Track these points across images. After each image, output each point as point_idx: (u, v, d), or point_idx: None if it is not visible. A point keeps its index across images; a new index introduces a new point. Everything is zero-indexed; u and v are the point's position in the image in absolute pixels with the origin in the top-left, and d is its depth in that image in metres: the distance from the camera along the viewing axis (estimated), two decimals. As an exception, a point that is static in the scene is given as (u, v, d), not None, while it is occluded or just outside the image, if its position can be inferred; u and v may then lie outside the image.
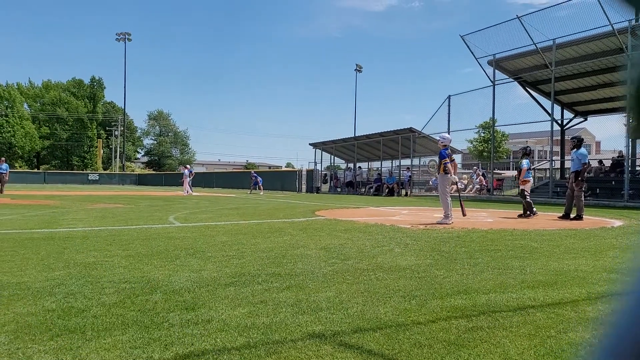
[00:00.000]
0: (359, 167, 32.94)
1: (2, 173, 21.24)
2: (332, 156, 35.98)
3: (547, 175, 24.62)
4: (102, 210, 11.37)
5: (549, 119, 20.54)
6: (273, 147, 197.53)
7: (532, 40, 19.28)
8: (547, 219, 10.20)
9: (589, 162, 10.24)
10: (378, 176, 29.75)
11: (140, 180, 61.44)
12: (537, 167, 26.57)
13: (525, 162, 10.64)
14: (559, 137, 23.54)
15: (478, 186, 23.60)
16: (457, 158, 11.07)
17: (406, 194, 26.58)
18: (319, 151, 34.99)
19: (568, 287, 3.51)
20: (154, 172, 76.83)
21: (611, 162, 20.95)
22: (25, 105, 69.95)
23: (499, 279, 3.75)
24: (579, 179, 9.91)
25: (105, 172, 66.94)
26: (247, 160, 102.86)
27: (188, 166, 31.85)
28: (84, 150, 73.66)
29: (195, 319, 2.62)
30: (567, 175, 18.07)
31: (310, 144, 35.29)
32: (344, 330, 2.46)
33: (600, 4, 16.10)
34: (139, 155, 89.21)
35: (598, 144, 52.60)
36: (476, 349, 2.22)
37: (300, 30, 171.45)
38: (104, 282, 3.48)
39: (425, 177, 28.57)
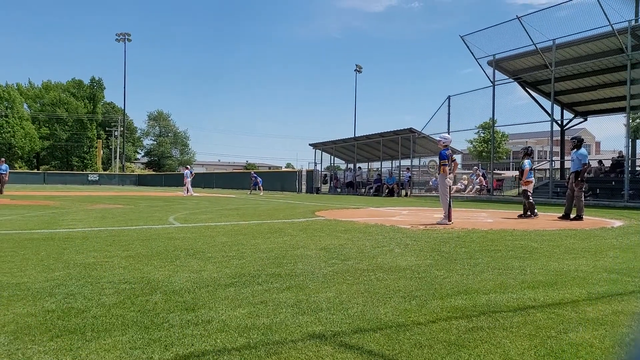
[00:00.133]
0: (359, 167, 32.94)
1: (2, 174, 21.24)
2: (332, 156, 35.99)
3: (547, 175, 24.62)
4: (101, 210, 11.36)
5: (549, 119, 20.55)
6: (273, 147, 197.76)
7: (532, 40, 19.29)
8: (547, 219, 10.20)
9: (588, 163, 10.24)
10: (378, 176, 29.74)
11: (140, 181, 61.46)
12: (537, 168, 26.58)
13: (527, 163, 10.63)
14: (559, 138, 23.55)
15: (478, 186, 23.59)
16: (457, 158, 11.04)
17: (406, 195, 26.58)
18: (318, 151, 34.99)
19: (568, 287, 3.51)
20: (153, 172, 76.85)
21: (611, 162, 20.96)
22: (25, 106, 69.96)
23: (499, 279, 3.75)
24: (579, 179, 9.91)
25: (105, 172, 66.94)
26: (247, 161, 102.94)
27: (189, 167, 31.87)
28: (83, 150, 73.66)
29: (195, 319, 2.62)
30: (567, 176, 18.06)
31: (310, 145, 35.31)
32: (344, 331, 2.46)
33: (599, 4, 16.11)
34: (138, 156, 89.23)
35: (598, 144, 52.62)
36: (476, 350, 2.21)
37: (300, 30, 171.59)
38: (104, 282, 3.48)
39: (425, 178, 28.57)
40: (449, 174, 8.95)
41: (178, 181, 50.55)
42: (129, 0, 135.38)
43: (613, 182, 18.70)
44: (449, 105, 24.23)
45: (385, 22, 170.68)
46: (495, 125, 23.28)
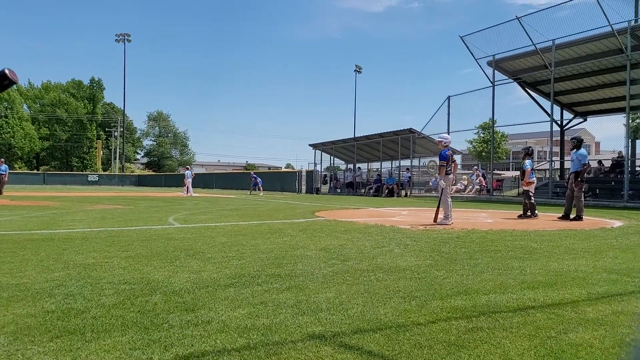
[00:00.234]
0: (359, 167, 32.95)
1: (2, 174, 21.23)
2: (332, 157, 35.99)
3: (547, 175, 24.63)
4: (101, 211, 11.36)
5: (549, 119, 20.56)
6: (273, 147, 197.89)
7: (531, 41, 19.30)
8: (547, 219, 10.21)
9: (588, 163, 10.24)
10: (378, 177, 29.75)
11: (140, 181, 61.46)
12: (537, 168, 26.57)
13: (528, 163, 10.63)
14: (559, 138, 23.55)
15: (478, 187, 23.59)
16: (457, 159, 11.03)
17: (406, 195, 26.58)
18: (318, 152, 34.99)
19: (568, 287, 3.51)
20: (153, 173, 76.86)
21: (611, 162, 20.96)
22: (25, 106, 69.93)
23: (499, 280, 3.75)
24: (579, 179, 9.92)
25: (104, 173, 66.94)
26: (246, 161, 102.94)
27: (189, 167, 31.87)
28: (83, 151, 73.65)
29: (195, 320, 2.62)
30: (566, 176, 18.06)
31: (310, 145, 35.31)
32: (344, 331, 2.46)
33: (599, 4, 16.12)
34: (138, 156, 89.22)
35: (597, 144, 52.59)
36: (476, 350, 2.21)
37: (300, 30, 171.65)
38: (104, 283, 3.48)
39: (424, 178, 28.58)
40: (450, 174, 8.95)
41: (178, 182, 50.57)
42: (129, 1, 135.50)
43: (613, 183, 18.71)
44: (448, 106, 24.25)
45: (385, 23, 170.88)
46: (495, 125, 23.29)
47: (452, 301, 3.07)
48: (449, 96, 24.30)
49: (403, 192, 26.98)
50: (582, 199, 9.99)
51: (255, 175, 31.01)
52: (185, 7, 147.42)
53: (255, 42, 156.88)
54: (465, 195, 23.61)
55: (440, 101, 29.32)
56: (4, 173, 21.42)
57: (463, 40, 21.98)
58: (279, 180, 36.54)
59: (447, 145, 9.04)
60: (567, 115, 24.44)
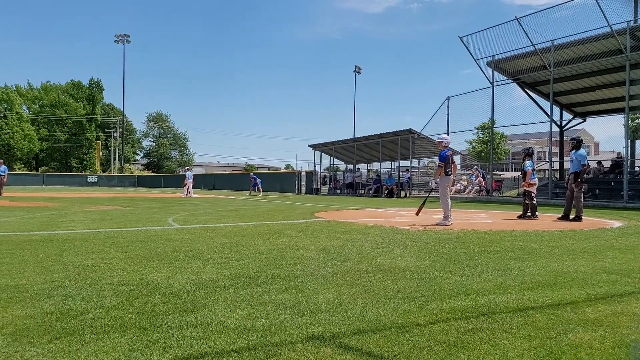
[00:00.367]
0: (358, 168, 32.96)
1: (1, 175, 21.22)
2: (332, 157, 36.00)
3: (547, 176, 24.64)
4: (100, 212, 11.35)
5: (548, 120, 20.58)
6: (272, 148, 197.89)
7: (530, 41, 19.32)
8: (546, 220, 10.21)
9: (588, 163, 10.24)
10: (377, 177, 29.76)
11: (139, 182, 61.47)
12: (537, 168, 26.60)
13: (528, 164, 10.62)
14: (558, 138, 23.57)
15: (477, 187, 23.60)
16: (457, 159, 11.04)
17: (405, 195, 26.59)
18: (318, 152, 35.00)
19: (567, 288, 3.51)
20: (153, 173, 76.87)
21: (610, 163, 20.98)
22: (24, 107, 69.94)
23: (498, 280, 3.75)
24: (579, 180, 9.92)
25: (104, 174, 66.96)
26: (246, 162, 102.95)
27: (189, 168, 31.88)
28: (82, 152, 73.63)
29: (195, 321, 2.61)
30: (566, 177, 18.07)
31: (309, 146, 35.31)
32: (343, 332, 2.45)
33: (598, 5, 16.14)
34: (137, 157, 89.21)
35: (597, 145, 52.65)
36: (476, 351, 2.21)
37: (300, 31, 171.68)
38: (103, 284, 3.47)
39: (424, 179, 28.58)
40: (450, 175, 8.95)
41: (177, 182, 50.59)
42: (128, 2, 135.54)
43: (612, 183, 18.72)
44: (448, 106, 24.27)
45: (384, 23, 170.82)
46: (495, 126, 23.30)
47: (452, 302, 3.07)
48: (449, 97, 24.33)
49: (403, 193, 26.99)
50: (582, 199, 9.99)
51: (254, 176, 31.01)
52: (184, 8, 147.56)
53: (255, 42, 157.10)
54: (464, 195, 23.62)
55: (439, 102, 29.34)
56: (3, 174, 21.41)
57: (462, 41, 22.00)
58: (279, 181, 36.55)
59: (446, 146, 9.04)
60: (567, 115, 24.47)
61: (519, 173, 24.88)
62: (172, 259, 4.58)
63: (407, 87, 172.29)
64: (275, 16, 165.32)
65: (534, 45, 19.39)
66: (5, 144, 62.52)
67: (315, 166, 34.76)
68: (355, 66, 55.93)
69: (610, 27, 16.56)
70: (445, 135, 9.50)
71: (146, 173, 78.39)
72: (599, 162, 22.31)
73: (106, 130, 77.30)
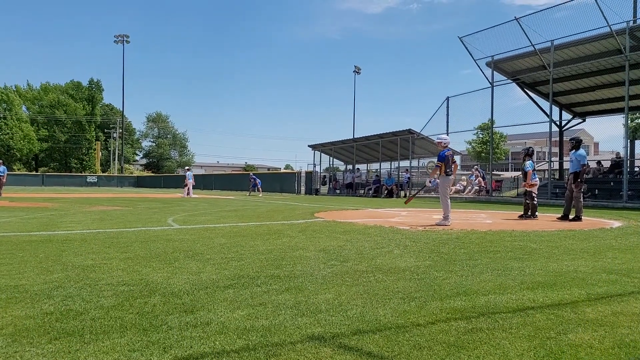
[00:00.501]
0: (358, 168, 32.97)
1: (0, 175, 21.20)
2: (331, 158, 36.01)
3: (546, 176, 24.65)
4: (100, 212, 11.35)
5: (548, 120, 20.58)
6: (272, 148, 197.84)
7: (530, 41, 19.33)
8: (546, 220, 10.21)
9: (587, 163, 10.25)
10: (376, 177, 29.76)
11: (139, 183, 61.48)
12: (536, 169, 26.62)
13: (529, 164, 10.63)
14: (558, 138, 23.58)
15: (477, 187, 23.60)
16: (457, 159, 11.03)
17: (405, 196, 26.60)
18: (317, 153, 35.01)
19: (567, 288, 3.51)
20: (152, 174, 76.87)
21: (610, 163, 20.99)
22: (24, 108, 69.92)
23: (498, 280, 3.75)
24: (578, 180, 9.92)
25: (103, 174, 66.96)
26: (245, 162, 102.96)
27: (189, 168, 31.88)
28: (82, 152, 73.62)
29: (194, 321, 2.61)
30: (566, 177, 18.07)
31: (309, 146, 35.33)
32: (343, 333, 2.45)
33: (597, 5, 16.14)
34: (137, 158, 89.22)
35: (596, 145, 52.65)
36: (476, 351, 2.21)
37: (300, 32, 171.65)
38: (102, 284, 3.47)
39: (424, 179, 28.61)
40: (450, 175, 8.96)
41: (177, 183, 50.60)
42: (128, 2, 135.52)
43: (612, 183, 18.73)
44: (447, 107, 24.28)
45: (384, 24, 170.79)
46: (494, 126, 23.32)
47: (452, 302, 3.07)
48: (448, 97, 24.35)
49: (402, 193, 26.99)
50: (581, 199, 10.00)
51: (254, 176, 31.02)
52: (184, 8, 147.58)
53: (255, 43, 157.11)
54: (464, 196, 23.63)
55: (439, 102, 29.36)
56: (3, 174, 21.40)
57: (462, 41, 22.01)
58: (278, 181, 36.55)
59: (446, 146, 9.04)
60: (566, 115, 24.48)
61: (518, 173, 24.93)
62: (172, 260, 4.58)
63: (407, 87, 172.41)
64: (275, 16, 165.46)
65: (533, 45, 19.40)
66: (5, 145, 62.49)
67: (314, 166, 34.78)
68: (355, 66, 56.01)
69: (610, 27, 16.57)
70: (444, 136, 9.50)
71: (146, 173, 78.38)
72: (599, 162, 22.32)
73: (106, 130, 77.28)
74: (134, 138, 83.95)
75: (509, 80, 22.57)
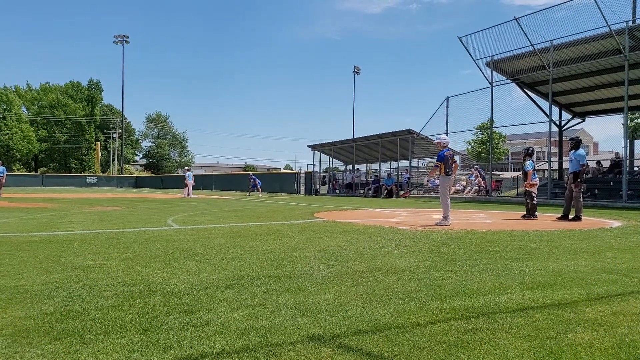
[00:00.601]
0: (357, 169, 32.97)
1: (0, 176, 21.19)
2: (331, 158, 36.00)
3: (546, 176, 24.66)
4: (100, 213, 11.35)
5: (547, 120, 20.59)
6: (272, 149, 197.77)
7: (529, 41, 19.34)
8: (545, 220, 10.21)
9: (587, 163, 10.25)
10: (375, 177, 29.76)
11: (139, 183, 61.46)
12: (536, 168, 26.62)
13: (529, 164, 10.64)
14: (557, 138, 23.59)
15: (476, 187, 23.61)
16: (456, 159, 11.04)
17: (405, 196, 26.58)
18: (317, 153, 35.00)
19: (567, 288, 3.51)
20: (152, 174, 76.84)
21: (609, 162, 20.99)
22: (23, 108, 69.91)
23: (498, 280, 3.75)
24: (578, 179, 9.93)
25: (103, 174, 66.96)
26: (245, 162, 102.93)
27: (189, 168, 31.89)
28: (82, 153, 73.61)
29: (194, 321, 2.61)
30: (565, 177, 18.08)
31: (308, 146, 35.32)
32: (343, 333, 2.45)
33: (597, 5, 16.15)
34: (137, 158, 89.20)
35: (596, 144, 52.72)
36: (475, 351, 2.21)
37: (299, 32, 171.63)
38: (102, 285, 3.47)
39: (423, 179, 28.61)
40: (450, 175, 8.96)
41: (176, 183, 50.59)
42: (128, 2, 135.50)
43: (611, 183, 18.74)
44: (447, 107, 24.30)
45: (384, 24, 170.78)
46: (494, 126, 23.32)
47: (452, 302, 3.07)
48: (448, 97, 24.37)
49: (402, 193, 26.99)
50: (581, 199, 10.00)
51: (254, 177, 31.02)
52: (184, 8, 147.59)
53: (255, 43, 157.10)
54: (463, 196, 23.63)
55: (439, 102, 29.40)
56: (2, 175, 21.38)
57: (461, 41, 22.02)
58: (278, 182, 36.55)
59: (445, 146, 9.05)
60: (566, 115, 24.49)
61: (518, 173, 24.94)
62: (172, 260, 4.58)
63: (407, 87, 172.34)
64: (275, 16, 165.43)
65: (532, 45, 19.41)
66: (5, 145, 62.47)
67: (314, 167, 34.78)
68: (354, 66, 55.98)
69: (609, 27, 16.58)
70: (443, 136, 9.51)
71: (145, 174, 78.36)
72: (598, 162, 22.34)
73: (105, 131, 77.27)
74: (134, 138, 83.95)
75: (509, 80, 22.58)
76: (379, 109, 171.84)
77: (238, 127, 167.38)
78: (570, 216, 9.94)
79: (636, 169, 21.01)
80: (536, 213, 10.60)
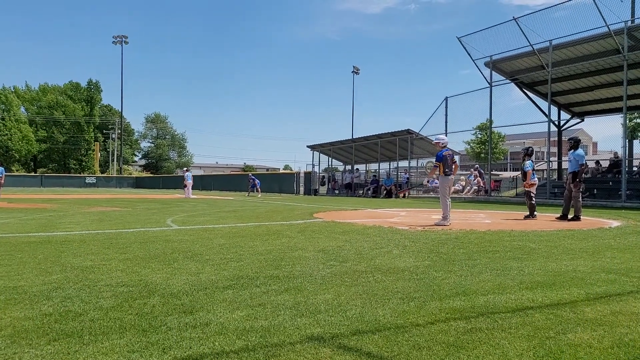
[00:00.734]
0: (357, 169, 32.97)
1: (-1, 177, 21.16)
2: (330, 158, 36.01)
3: (545, 176, 24.68)
4: (99, 213, 11.34)
5: (546, 120, 20.61)
6: (271, 149, 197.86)
7: (528, 41, 19.36)
8: (545, 219, 10.22)
9: (586, 163, 10.26)
10: (374, 177, 29.76)
11: (138, 183, 61.43)
12: (535, 168, 26.64)
13: (529, 164, 10.65)
14: (556, 138, 23.61)
15: (476, 187, 23.62)
16: (456, 159, 11.08)
17: (404, 196, 26.59)
18: (316, 153, 35.01)
19: (566, 287, 3.52)
20: (151, 175, 76.80)
21: (608, 162, 21.02)
22: (22, 109, 69.82)
23: (497, 280, 3.75)
24: (577, 179, 9.94)
25: (102, 175, 66.92)
26: (244, 163, 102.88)
27: (188, 168, 31.87)
28: (81, 153, 73.54)
29: (194, 322, 2.61)
30: (564, 177, 18.09)
31: (308, 146, 35.32)
32: (342, 333, 2.45)
33: (596, 5, 16.17)
34: (136, 158, 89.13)
35: (595, 144, 52.79)
36: (475, 351, 2.21)
37: (299, 32, 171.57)
38: (101, 285, 3.47)
39: (422, 179, 28.62)
40: (449, 175, 8.97)
41: (176, 183, 50.57)
42: (127, 2, 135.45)
43: (610, 183, 18.77)
44: (446, 107, 24.32)
45: (383, 24, 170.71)
46: (493, 126, 23.34)
47: (451, 302, 3.07)
48: (447, 97, 24.38)
49: (399, 191, 27.00)
50: (580, 199, 10.01)
51: (253, 177, 31.04)
52: (184, 8, 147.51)
53: (254, 43, 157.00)
54: (463, 196, 23.64)
55: (438, 102, 29.40)
56: (1, 175, 21.35)
57: (460, 42, 22.03)
58: (277, 182, 36.54)
59: (444, 146, 9.06)
60: (565, 115, 24.52)
61: (517, 173, 24.95)
62: (171, 260, 4.58)
63: (407, 87, 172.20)
64: (275, 16, 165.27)
65: (531, 45, 19.43)
66: (3, 146, 62.41)
67: (313, 167, 34.78)
68: (353, 67, 56.01)
69: (608, 27, 16.59)
70: (442, 136, 9.53)
71: (145, 174, 78.31)
72: (597, 162, 22.35)
73: (104, 131, 77.19)
74: (133, 139, 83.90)
75: (508, 80, 22.60)
76: (378, 109, 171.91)
77: (237, 127, 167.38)
78: (570, 216, 9.95)
79: (635, 168, 21.04)
80: (535, 213, 10.60)
